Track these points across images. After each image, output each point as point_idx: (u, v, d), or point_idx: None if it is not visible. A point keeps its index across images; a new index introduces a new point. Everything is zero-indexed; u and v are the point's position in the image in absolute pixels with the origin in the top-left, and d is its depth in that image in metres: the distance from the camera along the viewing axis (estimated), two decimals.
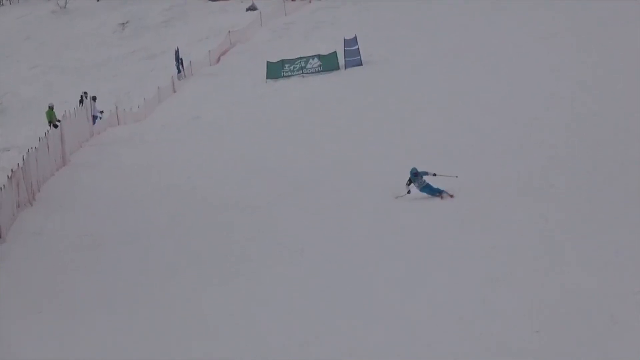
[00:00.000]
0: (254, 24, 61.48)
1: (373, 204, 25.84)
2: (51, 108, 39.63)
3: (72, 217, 28.10)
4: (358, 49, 48.73)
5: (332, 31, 54.26)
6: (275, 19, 61.74)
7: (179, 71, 53.93)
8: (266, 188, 29.22)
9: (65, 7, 72.54)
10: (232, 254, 23.48)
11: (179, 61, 54.22)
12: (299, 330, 17.73)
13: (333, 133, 35.49)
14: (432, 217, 24.12)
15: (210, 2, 70.04)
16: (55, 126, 37.26)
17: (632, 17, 43.54)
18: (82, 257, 24.49)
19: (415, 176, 25.10)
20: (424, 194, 25.33)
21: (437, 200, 25.39)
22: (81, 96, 43.64)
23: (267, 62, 49.71)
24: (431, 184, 25.26)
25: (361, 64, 48.34)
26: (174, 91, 50.99)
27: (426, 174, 25.16)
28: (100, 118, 42.74)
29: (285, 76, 49.02)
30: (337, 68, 48.79)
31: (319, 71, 48.91)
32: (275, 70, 49.29)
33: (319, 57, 49.35)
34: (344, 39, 49.30)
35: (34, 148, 31.68)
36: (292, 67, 49.34)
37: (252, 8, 65.53)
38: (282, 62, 49.63)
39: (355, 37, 48.91)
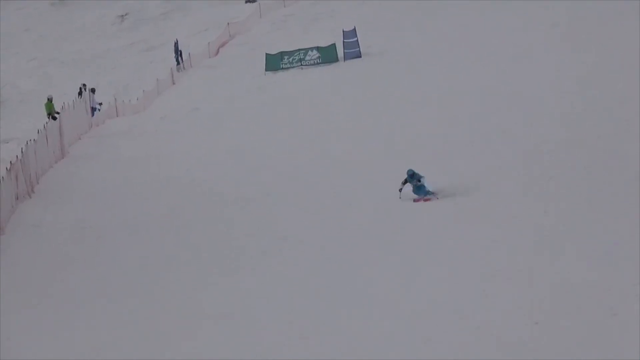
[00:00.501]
0: (253, 16, 61.32)
1: (372, 199, 25.79)
2: (50, 100, 39.65)
3: (71, 209, 28.18)
4: (357, 40, 48.60)
5: (331, 23, 54.11)
6: (274, 11, 61.58)
7: (178, 63, 53.84)
8: (265, 180, 29.22)
9: (64, 0, 72.41)
10: (231, 247, 23.51)
11: (178, 53, 54.15)
12: (298, 325, 17.72)
13: (332, 125, 35.44)
14: (432, 211, 24.10)
15: None
16: (54, 118, 37.31)
17: (631, 11, 43.45)
18: (81, 249, 24.60)
19: (412, 177, 24.98)
20: (414, 196, 25.13)
21: (440, 192, 25.28)
22: (80, 88, 43.68)
23: (266, 54, 49.60)
24: (425, 185, 25.10)
25: (360, 56, 48.22)
26: (173, 83, 50.95)
27: (421, 177, 25.01)
28: (99, 110, 42.74)
29: (284, 68, 48.92)
30: (336, 60, 48.65)
31: (317, 63, 48.79)
32: (274, 62, 49.17)
33: (318, 49, 49.21)
34: (343, 31, 49.19)
35: (32, 140, 31.79)
36: (291, 59, 49.20)
37: (251, 0, 65.41)
38: (281, 54, 49.50)
39: (355, 29, 48.78)
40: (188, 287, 20.67)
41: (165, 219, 26.49)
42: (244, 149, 33.76)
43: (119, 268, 22.60)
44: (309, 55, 49.03)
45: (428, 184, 25.04)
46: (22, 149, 30.43)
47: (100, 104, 43.37)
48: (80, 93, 42.53)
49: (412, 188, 25.05)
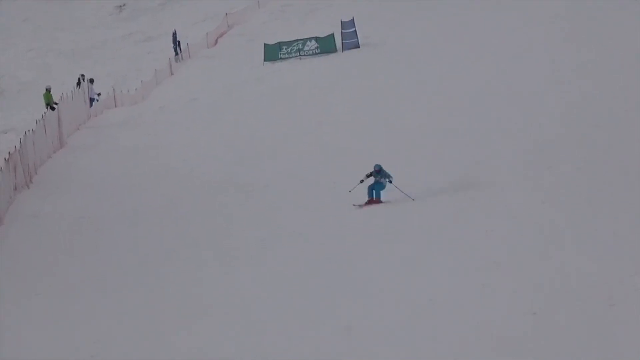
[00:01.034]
0: (252, 7, 61.32)
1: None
2: (48, 90, 39.58)
3: (69, 200, 28.24)
4: (355, 31, 48.68)
5: (329, 13, 54.12)
6: (272, 2, 61.52)
7: (177, 54, 53.87)
8: (264, 171, 29.29)
9: None
10: (229, 239, 23.55)
11: (176, 43, 54.14)
12: (297, 314, 17.75)
13: (330, 115, 35.51)
14: (430, 205, 24.11)
15: None
16: (53, 109, 37.25)
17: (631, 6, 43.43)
18: (79, 240, 24.65)
19: (378, 173, 24.59)
20: (368, 191, 24.78)
21: (436, 186, 25.27)
22: (78, 79, 43.57)
23: (265, 44, 49.67)
24: (383, 183, 24.63)
25: (359, 46, 48.31)
26: (171, 74, 50.92)
27: (387, 176, 24.56)
28: (98, 100, 42.68)
29: (283, 58, 48.97)
30: (335, 50, 48.73)
31: (316, 53, 48.87)
32: (272, 53, 49.23)
33: (317, 39, 49.26)
34: (342, 22, 49.20)
35: (31, 131, 31.79)
36: (289, 50, 49.25)
37: None
38: (280, 45, 49.55)
39: (353, 20, 48.81)
40: (186, 279, 20.68)
41: (163, 210, 26.53)
42: (242, 139, 33.81)
43: (117, 259, 22.64)
44: (308, 45, 49.07)
45: (388, 186, 24.55)
46: (20, 139, 30.41)
47: (99, 94, 43.30)
48: (78, 83, 42.49)
49: (371, 184, 24.62)
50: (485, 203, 23.44)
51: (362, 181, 24.76)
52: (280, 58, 49.00)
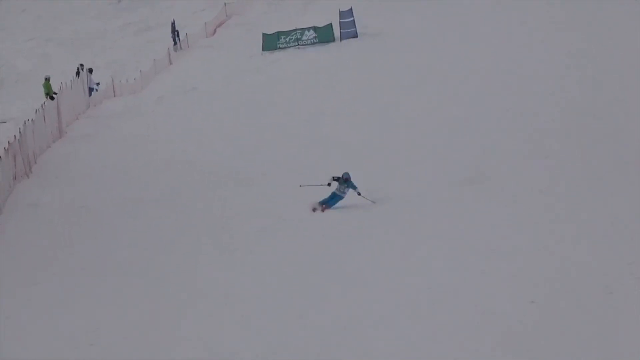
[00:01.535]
0: None
1: (370, 179, 25.76)
2: (47, 80, 39.60)
3: (69, 189, 28.25)
4: (353, 20, 48.63)
5: (327, 3, 53.90)
6: None
7: (175, 43, 53.84)
8: (261, 160, 29.36)
9: None
10: (228, 227, 23.62)
11: (175, 33, 54.15)
12: (295, 303, 17.82)
13: (328, 105, 35.54)
14: (430, 192, 24.21)
15: None
16: (52, 98, 37.29)
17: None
18: (78, 229, 24.67)
19: (345, 182, 23.86)
20: (327, 198, 24.04)
21: (434, 176, 25.31)
22: (78, 68, 43.58)
23: (263, 34, 49.65)
24: (343, 196, 23.93)
25: (357, 36, 48.31)
26: (170, 63, 50.89)
27: (354, 187, 23.81)
28: (97, 90, 42.72)
29: (281, 48, 48.96)
30: (333, 40, 48.70)
31: (314, 43, 48.82)
32: (271, 42, 49.22)
33: (315, 28, 49.23)
34: (339, 11, 49.17)
35: (30, 120, 31.78)
36: (287, 39, 49.21)
37: None
38: (278, 34, 49.51)
39: (351, 9, 48.78)
40: (184, 268, 20.75)
41: (162, 199, 26.60)
42: (241, 128, 33.86)
43: (115, 248, 22.69)
44: (306, 35, 49.01)
45: (347, 196, 23.92)
46: (20, 128, 30.43)
47: (98, 84, 43.33)
48: (78, 73, 42.47)
49: (334, 190, 23.98)
50: (484, 192, 23.54)
51: (329, 184, 24.05)
52: (279, 48, 48.96)
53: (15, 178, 28.51)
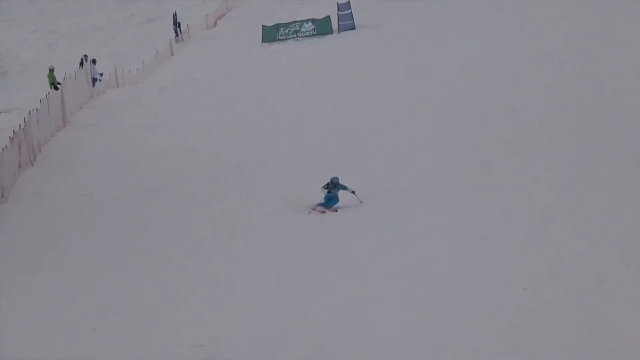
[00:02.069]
0: None
1: (368, 170, 26.04)
2: (52, 71, 39.80)
3: (72, 178, 28.49)
4: (351, 13, 48.77)
5: None
6: None
7: (177, 35, 54.10)
8: (262, 150, 29.54)
9: None
10: (229, 215, 23.88)
11: (176, 25, 54.38)
12: (294, 290, 17.96)
13: (327, 96, 35.61)
14: (425, 182, 24.40)
15: None
16: (56, 88, 37.52)
17: None
18: (81, 217, 24.98)
19: (335, 186, 23.58)
20: (323, 202, 23.77)
21: (430, 166, 25.48)
22: (81, 59, 43.60)
23: (263, 25, 49.89)
24: (338, 197, 23.74)
25: (354, 28, 48.48)
26: (172, 54, 51.15)
27: (345, 188, 23.56)
28: (100, 80, 42.89)
29: (281, 39, 49.24)
30: (331, 32, 48.92)
31: (312, 35, 49.06)
32: (270, 34, 49.48)
33: (313, 21, 49.45)
34: (338, 3, 49.24)
35: (35, 109, 31.97)
36: (286, 31, 49.48)
37: None
38: (277, 26, 49.76)
39: (349, 2, 48.87)
40: (186, 256, 20.92)
41: (164, 187, 26.80)
42: (241, 118, 33.99)
43: (118, 235, 22.89)
44: (304, 27, 49.33)
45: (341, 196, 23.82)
46: (24, 118, 30.60)
47: (102, 74, 43.47)
48: (81, 64, 42.51)
49: (325, 195, 23.76)
50: (478, 181, 23.71)
51: (328, 192, 23.74)
52: (278, 39, 49.26)
53: (20, 167, 28.76)
